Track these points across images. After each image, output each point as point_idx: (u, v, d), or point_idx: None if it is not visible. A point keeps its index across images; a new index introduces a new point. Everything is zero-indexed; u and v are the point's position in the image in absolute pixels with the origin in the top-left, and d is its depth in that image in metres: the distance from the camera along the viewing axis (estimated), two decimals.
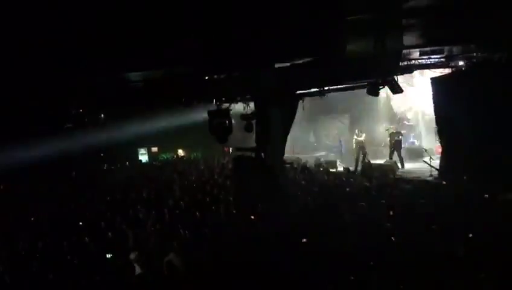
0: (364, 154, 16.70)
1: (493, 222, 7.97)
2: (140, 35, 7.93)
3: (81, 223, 9.91)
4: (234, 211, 9.95)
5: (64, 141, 15.78)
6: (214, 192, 12.52)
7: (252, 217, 9.28)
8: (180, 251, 7.68)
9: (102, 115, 15.08)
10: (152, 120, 19.77)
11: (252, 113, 10.48)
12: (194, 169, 17.15)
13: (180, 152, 22.55)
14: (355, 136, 17.38)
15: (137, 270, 7.11)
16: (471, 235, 7.78)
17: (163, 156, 22.97)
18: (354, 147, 17.35)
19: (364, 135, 17.22)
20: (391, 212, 9.06)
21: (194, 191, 12.91)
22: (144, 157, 23.22)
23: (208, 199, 11.38)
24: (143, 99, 10.36)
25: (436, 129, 14.62)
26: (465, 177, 11.44)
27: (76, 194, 13.53)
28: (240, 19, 7.69)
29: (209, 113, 9.87)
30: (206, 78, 9.62)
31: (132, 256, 7.63)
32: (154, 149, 23.26)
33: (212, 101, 10.43)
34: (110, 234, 8.76)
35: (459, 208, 9.06)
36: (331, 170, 14.15)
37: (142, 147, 23.05)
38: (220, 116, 9.77)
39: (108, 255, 7.80)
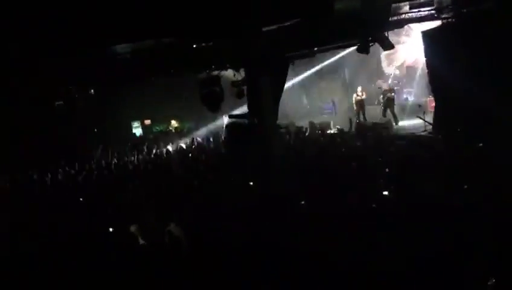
0: (364, 113, 16.82)
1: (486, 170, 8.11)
2: (125, 5, 7.74)
3: (81, 199, 9.92)
4: (232, 179, 10.03)
5: (55, 119, 15.61)
6: (209, 161, 12.58)
7: (251, 183, 9.34)
8: (180, 221, 7.77)
9: (92, 91, 14.88)
10: (143, 92, 19.59)
11: (242, 79, 10.37)
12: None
13: (174, 123, 22.41)
14: (355, 95, 17.37)
15: (140, 241, 7.20)
16: (466, 186, 7.93)
17: (157, 128, 22.88)
18: (354, 106, 17.42)
19: (365, 94, 17.28)
20: (387, 169, 9.17)
21: (189, 161, 12.97)
22: (137, 130, 23.12)
23: (202, 168, 11.45)
24: (131, 72, 10.21)
25: (428, 83, 14.56)
26: (458, 130, 11.52)
27: (73, 173, 13.52)
28: None
29: (199, 81, 9.77)
30: (194, 46, 9.45)
31: (133, 229, 7.71)
32: (147, 122, 23.13)
33: (202, 70, 10.30)
34: (110, 209, 8.79)
35: (454, 158, 9.19)
36: (325, 132, 14.14)
37: (135, 120, 22.90)
38: (211, 85, 9.67)
39: (110, 229, 7.86)
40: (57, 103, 13.57)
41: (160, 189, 10.24)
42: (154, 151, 15.46)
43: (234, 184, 9.80)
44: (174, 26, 8.35)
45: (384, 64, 18.71)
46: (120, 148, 18.36)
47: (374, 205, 7.15)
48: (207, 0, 7.52)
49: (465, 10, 11.79)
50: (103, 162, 14.49)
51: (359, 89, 17.57)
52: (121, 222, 8.27)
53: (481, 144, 9.78)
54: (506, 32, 10.44)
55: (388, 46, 10.58)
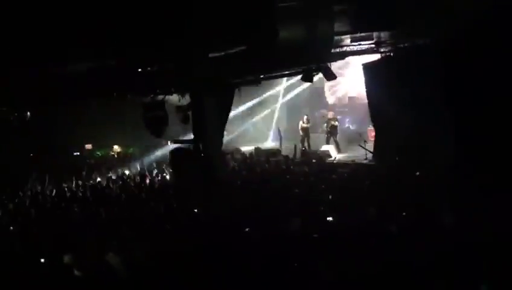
0: (308, 141, 17.19)
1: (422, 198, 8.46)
2: (65, 24, 7.49)
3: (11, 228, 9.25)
4: (174, 205, 9.77)
5: None
6: (153, 186, 12.24)
7: (195, 210, 9.15)
8: (120, 249, 7.42)
9: (28, 113, 14.15)
10: (84, 115, 18.90)
11: (187, 104, 10.26)
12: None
13: (116, 148, 21.71)
14: (301, 123, 17.73)
15: (75, 272, 6.78)
16: (404, 213, 8.20)
17: (98, 153, 22.02)
18: (300, 133, 17.74)
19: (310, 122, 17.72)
20: (330, 196, 9.33)
21: (131, 188, 12.54)
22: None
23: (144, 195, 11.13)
24: (70, 93, 9.84)
25: (369, 113, 15.12)
26: (397, 158, 11.99)
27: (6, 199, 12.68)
28: (170, 8, 7.46)
29: (143, 105, 9.57)
30: (139, 70, 9.29)
31: (66, 259, 7.26)
32: (88, 146, 22.23)
33: (146, 94, 10.10)
34: (41, 237, 8.25)
35: (392, 188, 9.51)
36: (270, 158, 14.23)
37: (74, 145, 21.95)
38: (155, 109, 9.49)
39: (42, 260, 7.34)
40: None
41: (99, 217, 9.78)
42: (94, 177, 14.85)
43: (177, 211, 9.57)
44: (118, 48, 8.18)
45: (327, 94, 19.31)
46: (58, 174, 17.51)
47: (315, 232, 7.24)
48: (152, 23, 7.44)
49: (401, 45, 12.48)
50: (38, 188, 13.71)
51: (305, 117, 18.03)
52: (54, 251, 7.78)
53: (417, 173, 10.24)
54: (438, 66, 11.13)
55: (331, 76, 10.93)
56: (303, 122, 17.67)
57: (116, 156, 20.90)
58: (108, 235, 8.32)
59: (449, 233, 6.67)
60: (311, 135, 18.60)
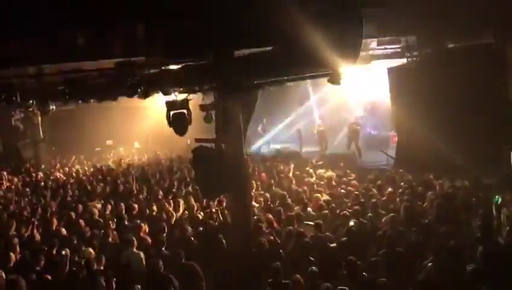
0: (326, 144, 17.08)
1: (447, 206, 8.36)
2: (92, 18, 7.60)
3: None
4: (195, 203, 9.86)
5: None
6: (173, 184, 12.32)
7: (215, 209, 9.17)
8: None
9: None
10: (108, 113, 19.26)
11: (211, 103, 10.24)
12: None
13: (137, 145, 21.97)
14: (317, 126, 17.64)
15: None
16: (426, 220, 8.10)
17: (119, 148, 22.32)
18: (316, 136, 17.65)
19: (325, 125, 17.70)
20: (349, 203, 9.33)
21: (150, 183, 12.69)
22: None
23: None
24: (97, 90, 9.94)
25: (391, 118, 14.94)
26: (420, 166, 11.81)
27: None
28: (198, 5, 7.46)
29: (167, 104, 9.57)
30: (163, 68, 9.31)
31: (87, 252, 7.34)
32: (109, 142, 22.58)
33: (170, 92, 10.11)
34: None
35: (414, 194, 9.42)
36: (291, 161, 14.15)
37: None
38: (178, 107, 9.49)
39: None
40: None
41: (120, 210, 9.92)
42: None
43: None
44: (142, 45, 8.25)
45: (350, 97, 19.08)
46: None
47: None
48: (180, 20, 7.46)
49: (429, 50, 12.29)
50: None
51: (320, 120, 18.06)
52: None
53: (440, 182, 10.09)
54: (466, 72, 10.94)
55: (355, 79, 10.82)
56: (319, 126, 17.61)
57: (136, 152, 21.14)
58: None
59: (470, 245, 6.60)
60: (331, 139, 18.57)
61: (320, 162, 14.35)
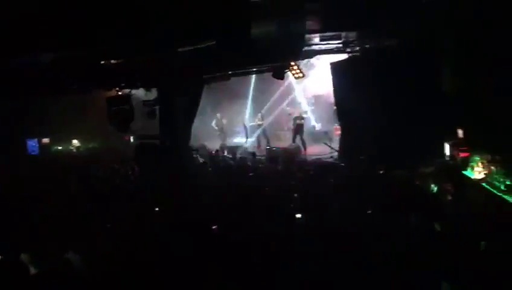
0: (268, 139, 17.31)
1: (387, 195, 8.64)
2: (27, 12, 7.12)
3: None
4: (138, 203, 9.53)
5: None
6: (115, 183, 11.90)
7: (157, 209, 8.94)
8: (80, 248, 7.17)
9: None
10: (43, 107, 18.17)
11: (154, 99, 10.02)
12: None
13: (75, 142, 20.95)
14: (257, 120, 17.87)
15: (32, 271, 6.48)
16: (369, 211, 8.34)
17: (57, 147, 21.18)
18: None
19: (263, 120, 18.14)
20: (295, 195, 9.39)
21: (93, 183, 12.15)
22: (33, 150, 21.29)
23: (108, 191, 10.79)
24: (31, 86, 9.39)
25: (335, 112, 15.30)
26: (361, 157, 12.19)
27: None
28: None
29: (108, 99, 9.25)
30: (102, 62, 8.95)
31: (24, 257, 6.95)
32: (45, 140, 21.34)
33: (111, 87, 9.78)
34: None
35: (357, 186, 9.66)
36: (237, 155, 14.16)
37: (31, 138, 21.10)
38: (120, 103, 9.20)
39: None
40: None
41: (57, 212, 9.42)
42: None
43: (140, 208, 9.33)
44: (79, 38, 7.86)
45: (294, 91, 19.36)
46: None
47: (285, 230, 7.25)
48: (118, 15, 7.17)
49: (368, 46, 12.69)
50: None
51: (259, 114, 18.39)
52: (10, 250, 7.42)
53: (381, 171, 10.44)
54: (403, 67, 11.41)
55: (299, 74, 10.96)
56: (258, 120, 17.89)
57: (75, 151, 20.16)
58: (69, 234, 8.05)
59: (413, 231, 6.86)
60: (278, 133, 18.89)
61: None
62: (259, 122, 18.40)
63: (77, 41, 7.90)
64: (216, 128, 18.68)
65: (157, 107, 9.81)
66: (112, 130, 10.22)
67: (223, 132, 18.70)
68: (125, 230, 8.18)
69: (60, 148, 20.92)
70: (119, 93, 9.83)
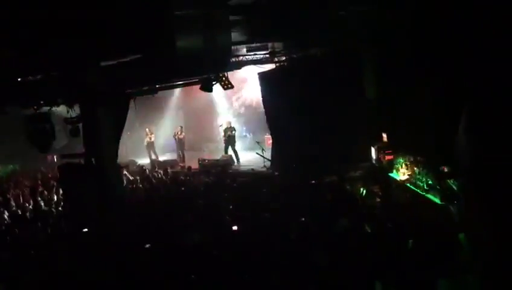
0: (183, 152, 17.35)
1: (319, 202, 8.84)
2: None
3: None
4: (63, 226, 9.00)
5: None
6: (37, 206, 11.15)
7: (85, 229, 8.50)
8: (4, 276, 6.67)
9: None
10: None
11: (77, 116, 9.51)
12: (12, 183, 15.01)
13: None
14: (178, 133, 17.66)
15: None
16: (303, 218, 8.48)
17: None
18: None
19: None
20: (231, 206, 9.34)
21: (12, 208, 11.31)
22: None
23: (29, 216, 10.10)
24: None
25: (266, 122, 15.45)
26: (294, 165, 12.40)
27: None
28: (58, 12, 6.82)
29: (26, 118, 8.66)
30: (19, 79, 8.39)
31: None
32: None
33: (29, 105, 9.17)
34: None
35: (290, 195, 9.80)
36: (169, 170, 13.82)
37: None
38: (39, 122, 8.63)
39: None
40: None
41: None
42: None
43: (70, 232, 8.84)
44: None
45: (224, 103, 19.34)
46: None
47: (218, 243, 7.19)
48: (35, 30, 6.74)
49: (294, 55, 13.00)
50: None
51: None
52: None
53: (313, 181, 10.66)
54: (327, 76, 11.82)
55: (228, 85, 10.97)
56: (179, 133, 17.69)
57: None
58: None
59: (342, 237, 7.06)
60: (209, 144, 18.76)
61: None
62: (181, 136, 17.91)
63: None
64: (145, 143, 18.15)
65: (80, 125, 9.33)
66: (33, 151, 9.58)
67: (152, 147, 18.17)
68: (49, 254, 7.72)
69: None
70: (38, 111, 9.25)
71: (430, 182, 8.67)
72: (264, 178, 12.36)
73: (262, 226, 8.08)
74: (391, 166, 10.41)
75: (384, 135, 11.10)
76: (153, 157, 17.83)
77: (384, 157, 10.69)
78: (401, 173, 9.88)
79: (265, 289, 5.88)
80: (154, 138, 18.36)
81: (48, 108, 9.07)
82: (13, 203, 11.69)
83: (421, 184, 8.93)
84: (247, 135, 19.04)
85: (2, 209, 10.84)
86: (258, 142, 15.82)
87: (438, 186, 8.25)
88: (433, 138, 8.19)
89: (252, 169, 14.18)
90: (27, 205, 11.55)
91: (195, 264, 6.63)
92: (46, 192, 12.56)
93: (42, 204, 11.15)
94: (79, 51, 7.16)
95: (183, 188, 11.22)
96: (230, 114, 19.12)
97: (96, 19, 6.80)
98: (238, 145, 17.19)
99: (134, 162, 16.78)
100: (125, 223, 7.53)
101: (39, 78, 8.25)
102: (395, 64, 9.62)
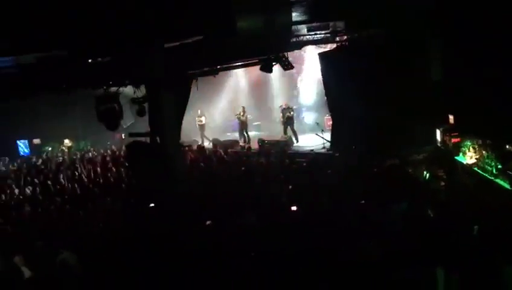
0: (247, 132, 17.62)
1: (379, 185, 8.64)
2: (11, 12, 6.98)
3: None
4: (131, 200, 9.48)
5: None
6: (107, 181, 11.82)
7: (151, 205, 8.90)
8: (74, 248, 7.13)
9: None
10: (32, 108, 17.98)
11: (143, 96, 9.92)
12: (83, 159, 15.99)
13: (67, 142, 20.76)
14: (240, 115, 17.76)
15: (27, 273, 6.41)
16: (363, 201, 8.34)
17: (47, 147, 20.97)
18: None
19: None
20: (290, 187, 9.36)
21: (83, 182, 12.07)
22: (24, 150, 21.12)
23: (97, 189, 10.72)
24: (18, 87, 9.26)
25: (326, 102, 15.27)
26: (354, 147, 12.19)
27: None
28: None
29: (96, 98, 9.15)
30: (90, 61, 8.85)
31: (17, 259, 6.88)
32: (36, 141, 21.16)
33: (99, 86, 9.67)
34: None
35: (352, 177, 9.65)
36: (229, 149, 14.08)
37: (21, 139, 20.91)
38: (108, 101, 9.09)
39: None
40: None
41: (50, 213, 9.35)
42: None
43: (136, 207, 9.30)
44: (66, 39, 7.74)
45: (284, 83, 19.27)
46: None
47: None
48: (103, 12, 7.07)
49: (356, 35, 12.63)
50: None
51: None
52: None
53: (374, 163, 10.41)
54: (392, 56, 11.39)
55: (288, 66, 10.90)
56: (242, 114, 17.75)
57: (66, 150, 19.94)
58: (60, 234, 8.00)
59: (406, 219, 6.88)
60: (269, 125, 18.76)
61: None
62: (243, 118, 17.94)
63: (60, 41, 7.79)
64: (198, 124, 18.60)
65: (146, 105, 9.73)
66: (103, 129, 10.13)
67: (203, 129, 18.64)
68: (118, 227, 8.15)
69: (50, 149, 20.69)
70: (107, 91, 9.72)
71: (499, 166, 8.23)
72: (324, 159, 12.25)
73: (320, 208, 8.06)
74: (457, 149, 9.97)
75: (451, 117, 10.59)
76: (203, 140, 18.09)
77: (450, 140, 10.25)
78: (468, 157, 9.44)
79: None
80: (205, 120, 18.74)
81: (116, 88, 9.51)
82: (85, 178, 12.52)
83: (490, 168, 8.49)
84: (304, 117, 18.89)
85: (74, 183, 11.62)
86: (317, 123, 15.68)
87: (509, 171, 7.81)
88: (504, 121, 7.74)
89: (312, 150, 14.10)
90: (98, 179, 12.32)
91: (253, 243, 6.77)
92: (114, 168, 13.30)
93: (112, 179, 11.86)
94: (144, 33, 7.43)
95: (243, 168, 11.40)
96: (289, 95, 19.02)
97: (160, 2, 7.01)
98: (297, 126, 17.12)
99: (196, 142, 17.27)
100: (187, 201, 7.79)
101: (108, 60, 8.66)
102: (463, 44, 9.11)
